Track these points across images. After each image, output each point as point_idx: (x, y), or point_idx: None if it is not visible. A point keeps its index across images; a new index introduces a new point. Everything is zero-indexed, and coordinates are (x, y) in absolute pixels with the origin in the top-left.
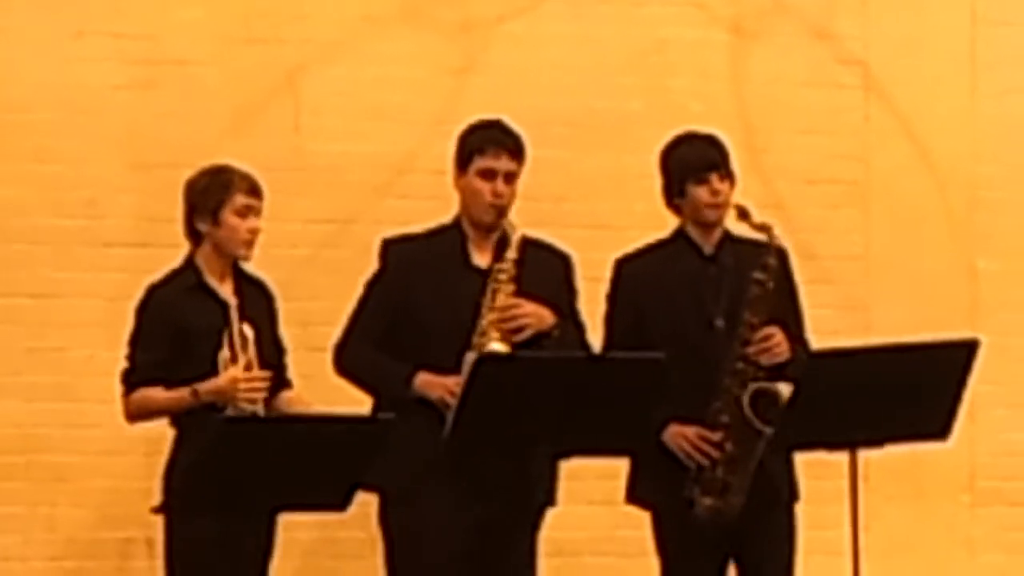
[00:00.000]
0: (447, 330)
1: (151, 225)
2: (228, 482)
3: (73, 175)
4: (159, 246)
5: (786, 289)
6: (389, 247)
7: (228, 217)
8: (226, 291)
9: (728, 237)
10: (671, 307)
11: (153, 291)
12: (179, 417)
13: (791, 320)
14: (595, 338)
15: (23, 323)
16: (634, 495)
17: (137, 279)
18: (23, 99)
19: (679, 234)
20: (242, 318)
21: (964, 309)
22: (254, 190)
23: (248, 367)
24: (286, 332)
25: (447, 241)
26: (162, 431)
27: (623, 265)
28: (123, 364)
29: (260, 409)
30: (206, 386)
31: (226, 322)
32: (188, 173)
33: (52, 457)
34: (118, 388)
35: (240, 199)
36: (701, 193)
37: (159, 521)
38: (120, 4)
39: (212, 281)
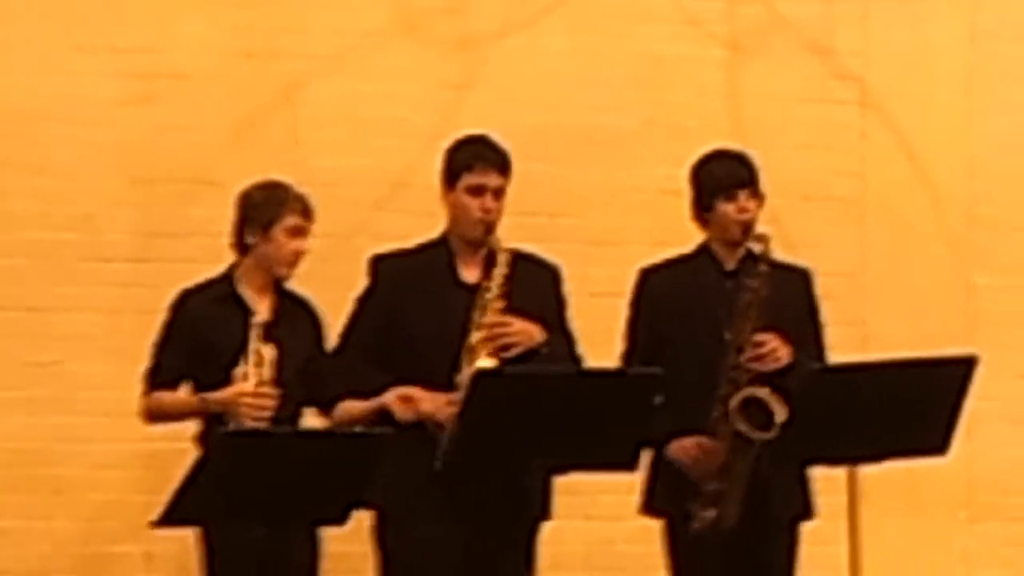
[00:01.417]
0: (436, 346)
1: (149, 240)
2: (229, 494)
3: (71, 189)
4: (157, 260)
5: (807, 307)
6: (378, 263)
7: (278, 234)
8: (260, 306)
9: (766, 259)
10: (687, 319)
11: (185, 297)
12: (204, 437)
13: (810, 338)
14: (588, 350)
15: (21, 337)
16: (650, 505)
17: (135, 293)
18: (22, 112)
19: (703, 249)
20: (269, 337)
21: (961, 325)
22: (306, 212)
23: (259, 385)
24: None
25: (435, 257)
26: (160, 445)
27: (647, 275)
28: (147, 363)
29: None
30: (213, 396)
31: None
32: (187, 187)
33: (50, 470)
34: (139, 387)
35: (292, 219)
36: (729, 209)
37: (157, 535)
38: (119, 18)
39: (247, 293)
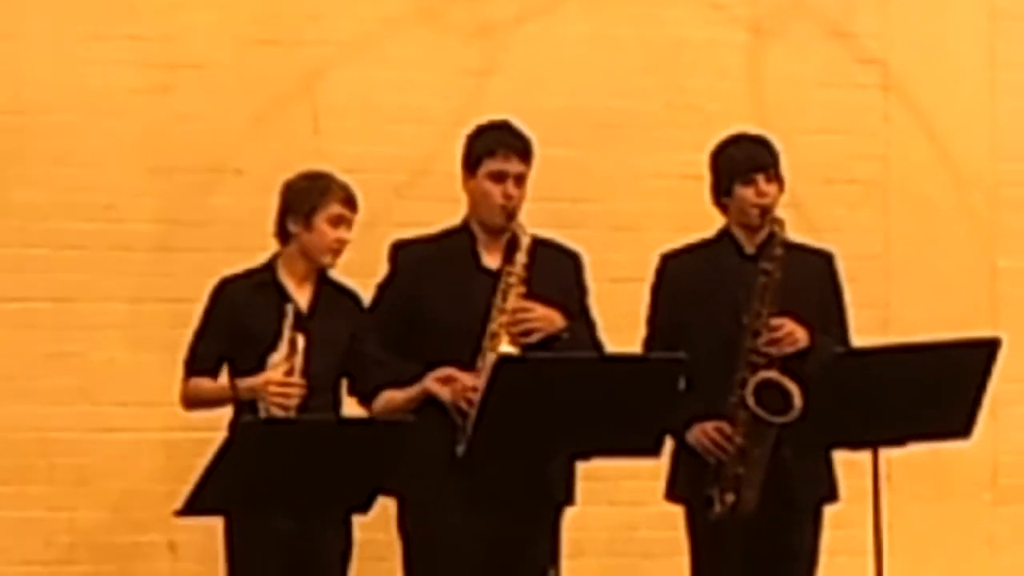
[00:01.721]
0: (459, 332)
1: (170, 228)
2: (252, 483)
3: (92, 179)
4: (178, 249)
5: (830, 290)
6: (399, 250)
7: (320, 223)
8: (300, 295)
9: (781, 243)
10: (708, 304)
11: (225, 284)
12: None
13: (833, 321)
14: (610, 336)
15: (43, 327)
16: (672, 491)
17: (157, 282)
18: (41, 102)
19: (723, 233)
20: (303, 326)
21: (984, 307)
22: (350, 201)
23: (288, 373)
24: None
25: (457, 243)
26: (183, 435)
27: (667, 261)
28: (186, 350)
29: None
30: (244, 383)
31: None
32: (207, 176)
33: (73, 460)
34: (162, 376)
35: (335, 207)
36: (747, 193)
37: (181, 524)
38: (137, 7)
39: (287, 282)
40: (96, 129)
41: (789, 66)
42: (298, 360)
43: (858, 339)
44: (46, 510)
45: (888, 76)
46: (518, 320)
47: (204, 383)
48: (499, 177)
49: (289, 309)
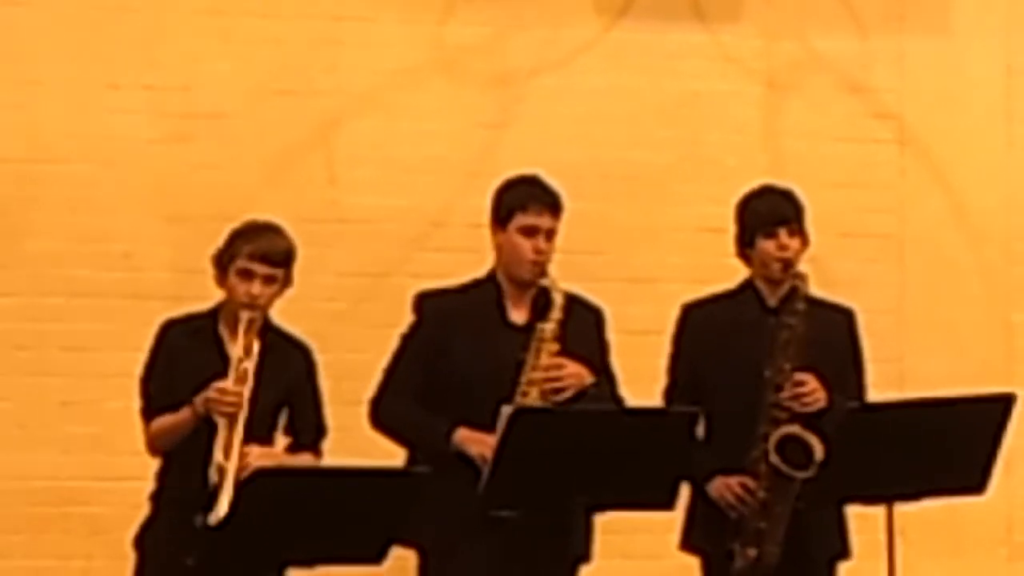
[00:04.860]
0: (484, 386)
1: (186, 277)
2: (260, 536)
3: (108, 227)
4: (194, 298)
5: (850, 347)
6: (424, 300)
7: (230, 276)
8: (238, 343)
9: (804, 297)
10: (729, 356)
11: (168, 327)
12: (157, 495)
13: (851, 380)
14: (629, 388)
15: (58, 375)
16: (687, 542)
17: None
18: (59, 151)
19: (746, 285)
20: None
21: (999, 362)
22: (260, 256)
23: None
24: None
25: (483, 296)
26: None
27: (690, 310)
28: (139, 401)
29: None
30: (198, 396)
31: (224, 373)
32: (223, 225)
33: (87, 509)
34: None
35: (241, 262)
36: (769, 246)
37: None
38: (154, 57)
39: (225, 331)
40: (112, 178)
41: (805, 120)
42: (249, 371)
43: (873, 393)
44: (59, 559)
45: (904, 131)
46: (551, 377)
47: (163, 419)
48: (530, 232)
49: (244, 316)
